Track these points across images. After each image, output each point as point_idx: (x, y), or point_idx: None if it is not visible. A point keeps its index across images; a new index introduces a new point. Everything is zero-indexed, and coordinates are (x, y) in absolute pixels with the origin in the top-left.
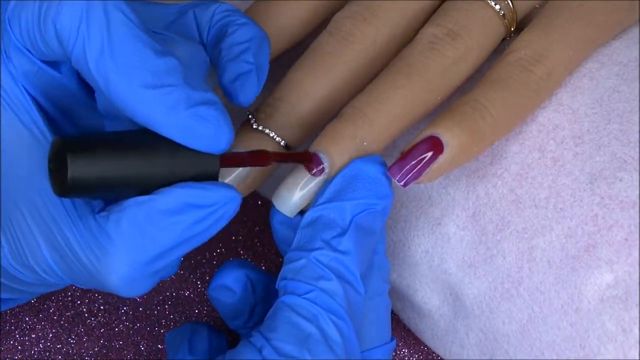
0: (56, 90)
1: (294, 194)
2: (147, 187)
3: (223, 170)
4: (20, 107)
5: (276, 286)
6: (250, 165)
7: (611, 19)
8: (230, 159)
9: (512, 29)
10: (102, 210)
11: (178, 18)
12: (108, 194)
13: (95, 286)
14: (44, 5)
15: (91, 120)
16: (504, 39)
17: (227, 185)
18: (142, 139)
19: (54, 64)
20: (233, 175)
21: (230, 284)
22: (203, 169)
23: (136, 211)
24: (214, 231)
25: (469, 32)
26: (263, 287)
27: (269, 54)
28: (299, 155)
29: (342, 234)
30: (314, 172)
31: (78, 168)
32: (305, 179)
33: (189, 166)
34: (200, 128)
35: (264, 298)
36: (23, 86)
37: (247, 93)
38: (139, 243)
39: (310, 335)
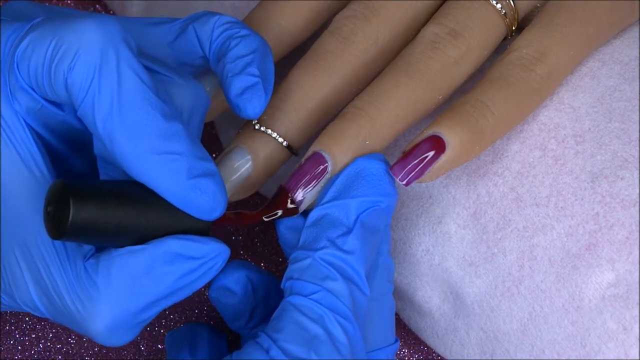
0: (59, 125)
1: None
2: (140, 238)
3: (223, 173)
4: (22, 145)
5: (281, 286)
6: (235, 224)
7: (612, 18)
8: (219, 220)
9: (514, 28)
10: (93, 255)
11: (179, 36)
12: (101, 241)
13: (77, 330)
14: (56, 56)
15: (93, 165)
16: (505, 38)
17: (216, 240)
18: (140, 191)
19: (56, 103)
20: (235, 176)
21: (231, 286)
22: (195, 225)
23: (127, 260)
24: (201, 284)
25: (470, 31)
26: (264, 288)
27: (273, 64)
28: (275, 201)
29: (348, 232)
30: (316, 171)
31: (79, 213)
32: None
33: (182, 221)
34: (198, 199)
35: (265, 299)
36: (25, 122)
37: (256, 106)
38: (127, 293)
39: (317, 336)
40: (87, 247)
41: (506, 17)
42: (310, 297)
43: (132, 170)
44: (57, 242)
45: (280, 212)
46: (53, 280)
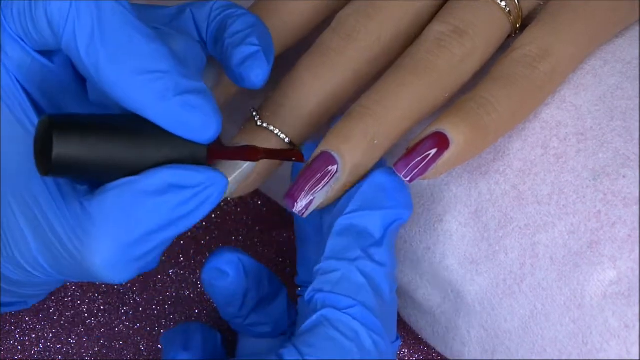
0: (49, 82)
1: None
2: (132, 170)
3: (226, 169)
4: (13, 100)
5: (306, 298)
6: (238, 159)
7: (614, 16)
8: (218, 152)
9: (518, 26)
10: (87, 193)
11: (176, 18)
12: (93, 176)
13: (80, 277)
14: None
15: (85, 112)
16: (508, 36)
17: (214, 169)
18: (131, 122)
19: (47, 55)
20: (236, 173)
21: (223, 267)
22: (190, 151)
23: (120, 192)
24: (199, 215)
25: (475, 29)
26: (255, 273)
27: (272, 39)
28: (289, 153)
29: (378, 244)
30: (325, 171)
31: (63, 145)
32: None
33: (176, 149)
34: (188, 116)
35: (257, 284)
36: (16, 77)
37: (259, 74)
38: (122, 224)
39: (350, 353)
40: (83, 187)
41: (510, 15)
42: (345, 311)
43: (119, 96)
44: (52, 186)
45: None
46: (50, 224)
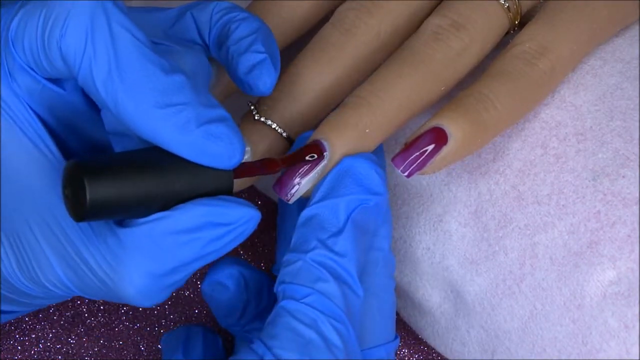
0: (61, 107)
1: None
2: (164, 204)
3: None
4: (27, 126)
5: (274, 290)
6: (261, 174)
7: (615, 15)
8: (243, 171)
9: (516, 22)
10: (117, 223)
11: (176, 22)
12: (125, 214)
13: (108, 298)
14: (47, 26)
15: (97, 135)
16: (507, 33)
17: (247, 203)
18: (154, 157)
19: (57, 81)
20: None
21: (224, 280)
22: (217, 184)
23: (153, 227)
24: (231, 247)
25: (473, 24)
26: (256, 285)
27: (276, 43)
28: (306, 150)
29: (338, 233)
30: (314, 159)
31: (96, 191)
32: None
33: (203, 181)
34: (212, 146)
35: (257, 295)
36: (28, 104)
37: (266, 82)
38: (155, 255)
39: (311, 341)
40: None
41: (509, 12)
42: (302, 300)
43: (140, 130)
44: None
45: (314, 157)
46: (79, 252)
